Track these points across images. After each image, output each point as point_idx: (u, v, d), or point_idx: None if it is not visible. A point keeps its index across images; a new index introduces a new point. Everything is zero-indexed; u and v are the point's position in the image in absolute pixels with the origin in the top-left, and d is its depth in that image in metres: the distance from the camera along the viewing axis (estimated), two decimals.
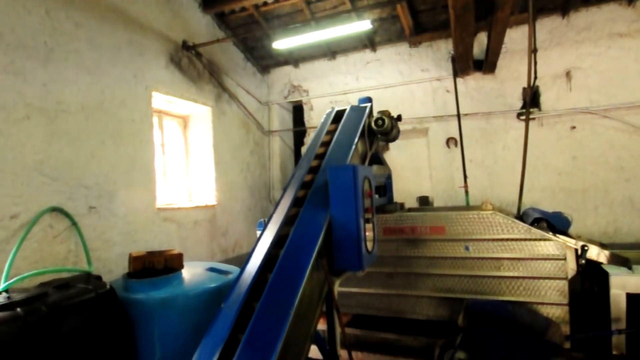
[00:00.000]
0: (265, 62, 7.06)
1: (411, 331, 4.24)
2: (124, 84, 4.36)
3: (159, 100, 5.03)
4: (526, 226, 3.81)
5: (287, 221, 3.06)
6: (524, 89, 5.60)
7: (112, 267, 4.03)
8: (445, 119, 5.99)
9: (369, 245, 3.00)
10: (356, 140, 3.64)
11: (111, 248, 4.05)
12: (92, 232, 3.88)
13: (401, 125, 6.21)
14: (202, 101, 5.60)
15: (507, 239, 3.86)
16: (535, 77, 4.37)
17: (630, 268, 3.60)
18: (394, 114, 6.26)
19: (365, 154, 3.91)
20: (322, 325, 3.91)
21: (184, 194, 5.67)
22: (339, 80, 6.70)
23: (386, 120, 3.64)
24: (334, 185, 2.89)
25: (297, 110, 7.51)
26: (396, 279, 4.31)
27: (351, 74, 6.64)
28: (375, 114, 3.88)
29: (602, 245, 4.07)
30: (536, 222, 3.89)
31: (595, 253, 3.69)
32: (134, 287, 3.33)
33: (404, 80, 6.27)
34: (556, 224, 4.33)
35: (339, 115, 4.16)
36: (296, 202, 3.24)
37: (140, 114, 4.52)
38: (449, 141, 6.04)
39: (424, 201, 5.80)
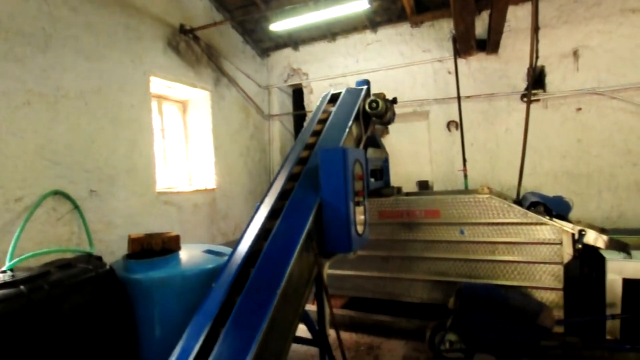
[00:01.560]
0: (264, 45, 7.00)
1: (405, 314, 4.30)
2: (122, 69, 4.39)
3: (158, 85, 5.06)
4: (522, 210, 3.78)
5: (282, 196, 3.09)
6: (529, 69, 5.46)
7: (114, 248, 4.15)
8: (446, 102, 5.89)
9: (360, 228, 3.02)
10: (350, 122, 3.61)
11: (113, 230, 4.17)
12: (94, 215, 4.00)
13: (401, 109, 6.17)
14: (201, 85, 5.61)
15: (503, 223, 3.85)
16: (537, 57, 4.25)
17: (629, 253, 3.55)
18: (396, 97, 6.21)
19: (360, 137, 3.89)
20: (314, 306, 4.04)
21: (184, 178, 5.75)
22: (339, 62, 6.62)
23: (380, 103, 3.60)
24: (324, 168, 2.90)
25: (297, 94, 7.47)
26: (391, 262, 4.35)
27: (351, 56, 6.55)
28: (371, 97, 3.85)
29: (603, 231, 4.01)
30: (533, 206, 3.86)
31: (592, 238, 3.65)
32: (133, 268, 3.42)
33: (405, 62, 6.16)
34: (555, 208, 4.29)
35: (334, 98, 4.12)
36: (291, 178, 3.27)
37: (138, 99, 4.57)
38: (450, 124, 5.95)
39: (424, 185, 5.77)
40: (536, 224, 3.72)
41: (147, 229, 4.52)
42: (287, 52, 7.06)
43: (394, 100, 4.04)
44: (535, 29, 3.96)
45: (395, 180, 6.56)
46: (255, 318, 2.19)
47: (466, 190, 5.22)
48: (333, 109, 3.88)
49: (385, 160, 4.71)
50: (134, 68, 4.53)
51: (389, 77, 6.27)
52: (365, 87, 4.10)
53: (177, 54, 5.19)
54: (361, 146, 3.88)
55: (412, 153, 6.42)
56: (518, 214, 3.79)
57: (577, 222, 4.19)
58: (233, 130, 6.31)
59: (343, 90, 4.15)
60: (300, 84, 7.10)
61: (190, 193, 5.38)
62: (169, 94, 5.53)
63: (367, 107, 3.64)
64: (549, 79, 5.38)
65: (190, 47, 5.45)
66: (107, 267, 3.22)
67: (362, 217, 3.09)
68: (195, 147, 5.86)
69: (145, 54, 4.69)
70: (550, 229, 3.68)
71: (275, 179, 3.32)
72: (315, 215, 2.86)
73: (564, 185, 5.31)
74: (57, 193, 3.60)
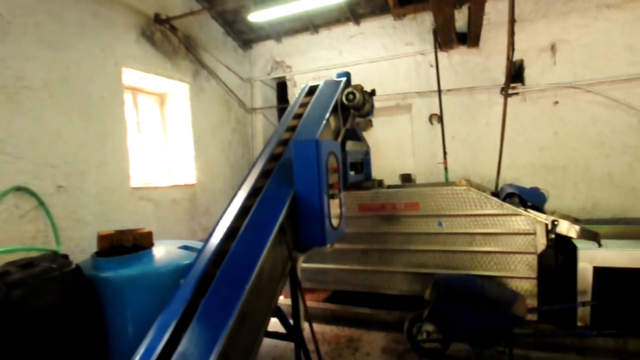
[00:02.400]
0: (246, 36, 6.86)
1: (387, 306, 4.30)
2: (92, 59, 4.23)
3: (132, 76, 4.89)
4: (498, 201, 3.80)
5: (253, 194, 3.02)
6: (507, 62, 5.48)
7: (85, 246, 4.01)
8: (428, 95, 5.88)
9: (335, 221, 2.97)
10: (327, 115, 3.56)
11: (83, 227, 4.03)
12: (62, 212, 3.85)
13: (384, 102, 6.15)
14: (179, 77, 5.46)
15: (480, 215, 3.86)
16: (513, 49, 4.25)
17: (599, 242, 3.61)
18: (378, 90, 6.15)
19: (339, 129, 3.84)
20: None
21: (162, 173, 5.61)
22: (322, 55, 6.54)
23: (357, 95, 3.54)
24: (298, 160, 2.85)
25: (282, 87, 7.36)
26: (371, 255, 4.33)
27: (334, 49, 6.47)
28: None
29: (576, 221, 4.07)
30: (508, 197, 3.88)
31: (565, 228, 3.70)
32: (102, 266, 3.31)
33: (387, 55, 6.12)
34: (531, 199, 4.33)
35: (313, 90, 4.06)
36: (264, 175, 3.20)
37: (110, 91, 4.41)
38: (432, 117, 5.95)
39: (406, 178, 5.77)
40: (511, 214, 3.74)
41: (121, 225, 4.37)
42: (270, 44, 6.93)
43: (372, 92, 4.00)
44: (512, 21, 3.95)
45: (379, 173, 6.55)
46: (223, 314, 2.13)
47: (446, 183, 5.24)
48: (310, 102, 3.82)
49: (366, 153, 4.67)
50: (104, 58, 4.36)
51: (372, 70, 6.23)
52: (344, 79, 4.04)
53: (152, 45, 5.03)
54: (339, 139, 3.83)
55: (396, 146, 6.41)
56: (494, 205, 3.81)
57: (553, 213, 4.24)
58: (214, 124, 6.18)
59: (321, 83, 4.08)
60: (284, 77, 6.99)
61: (168, 188, 5.25)
62: (144, 86, 5.37)
63: (344, 98, 3.58)
64: (528, 73, 5.41)
65: (167, 37, 5.29)
66: (73, 265, 3.11)
67: (338, 210, 3.04)
68: (174, 141, 5.71)
69: (117, 44, 4.52)
70: (524, 220, 3.71)
71: (247, 175, 3.25)
72: (288, 209, 2.81)
73: (542, 177, 5.37)
74: (19, 189, 3.45)
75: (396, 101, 6.14)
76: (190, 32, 5.72)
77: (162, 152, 5.66)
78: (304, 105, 3.86)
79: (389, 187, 5.29)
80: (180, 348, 1.99)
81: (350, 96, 3.55)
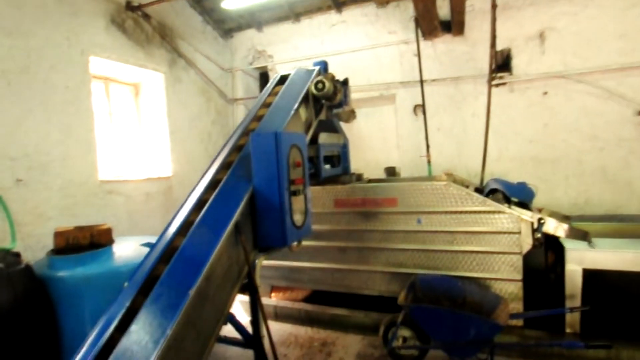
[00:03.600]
0: (226, 25, 6.62)
1: (366, 306, 4.12)
2: (55, 48, 4.01)
3: (103, 65, 4.68)
4: (481, 198, 3.60)
5: (211, 186, 2.83)
6: (495, 52, 5.27)
7: (46, 242, 3.80)
8: (412, 85, 5.67)
9: (298, 219, 2.79)
10: (296, 105, 3.35)
11: (45, 223, 3.85)
12: (22, 206, 3.67)
13: (368, 92, 5.95)
14: (153, 67, 5.24)
15: (461, 212, 3.67)
16: (494, 36, 4.03)
17: (589, 242, 3.41)
18: (362, 80, 5.96)
19: (311, 121, 3.64)
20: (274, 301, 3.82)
21: (136, 166, 5.41)
22: (304, 44, 6.31)
23: (326, 84, 3.33)
24: (256, 153, 2.65)
25: (264, 77, 7.13)
26: (348, 253, 4.15)
27: (316, 38, 6.24)
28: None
29: (565, 218, 3.88)
30: (491, 194, 3.68)
31: (552, 227, 3.50)
32: (57, 265, 3.16)
33: (370, 44, 5.89)
34: (518, 195, 4.14)
35: (285, 79, 3.84)
36: (225, 167, 3.00)
37: (75, 80, 4.20)
38: (417, 108, 5.74)
39: (391, 172, 5.59)
40: (494, 212, 3.55)
41: (87, 220, 4.20)
42: (251, 33, 6.70)
43: (345, 82, 3.78)
44: (494, 6, 3.73)
45: (363, 166, 6.37)
46: (163, 321, 1.95)
47: (426, 178, 5.05)
48: (280, 91, 3.61)
49: (344, 146, 4.48)
50: (69, 46, 4.14)
51: (355, 60, 6.01)
52: (317, 68, 3.82)
53: (122, 33, 4.80)
54: (311, 131, 3.63)
55: (380, 138, 6.22)
56: (476, 202, 3.61)
57: (541, 210, 4.05)
58: (192, 115, 5.97)
59: (292, 72, 3.87)
60: (267, 67, 6.77)
61: (141, 181, 5.05)
62: (117, 76, 5.15)
63: (312, 88, 3.37)
64: (515, 62, 5.20)
65: (140, 25, 5.06)
66: (23, 264, 2.94)
67: (302, 207, 2.86)
68: (149, 133, 5.51)
69: (83, 32, 4.30)
70: (508, 218, 3.51)
71: (209, 167, 3.05)
72: (247, 206, 2.62)
73: (531, 171, 5.17)
74: None
75: (380, 92, 5.93)
76: (166, 20, 5.49)
77: (137, 144, 5.45)
78: (275, 94, 3.65)
79: (370, 181, 5.12)
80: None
81: (320, 85, 3.34)
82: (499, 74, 5.22)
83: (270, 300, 4.45)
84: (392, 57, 5.78)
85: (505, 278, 3.54)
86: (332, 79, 3.47)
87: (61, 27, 4.08)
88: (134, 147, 5.39)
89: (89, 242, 3.31)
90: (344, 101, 3.79)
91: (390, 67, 5.82)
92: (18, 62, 3.67)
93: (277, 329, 4.16)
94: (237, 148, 3.13)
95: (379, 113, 6.21)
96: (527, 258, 3.57)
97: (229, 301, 2.44)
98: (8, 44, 3.60)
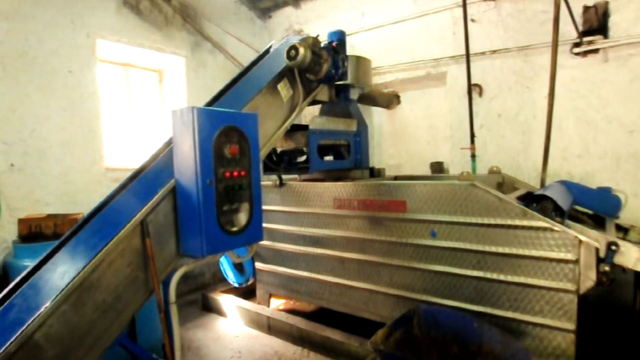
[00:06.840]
0: (263, 4, 6.14)
1: (367, 330, 3.30)
2: (58, 31, 3.95)
3: (119, 51, 4.58)
4: (519, 207, 2.52)
5: (136, 174, 2.36)
6: (585, 7, 3.86)
7: None
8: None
9: (234, 222, 2.15)
10: (270, 78, 2.69)
11: (42, 209, 3.82)
12: (16, 192, 3.68)
13: (412, 72, 4.95)
14: (172, 50, 5.01)
15: (490, 225, 2.62)
16: None
17: None
18: (405, 56, 4.97)
19: (296, 101, 2.92)
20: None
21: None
22: (342, 18, 5.51)
23: (300, 51, 2.55)
24: (176, 136, 2.09)
25: None
26: (348, 266, 3.36)
27: (356, 10, 5.39)
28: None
29: None
30: (535, 202, 2.54)
31: (633, 257, 2.28)
32: (18, 253, 3.05)
33: (418, 11, 4.85)
34: (594, 206, 2.93)
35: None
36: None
37: (80, 64, 4.11)
38: (475, 88, 4.55)
39: (438, 168, 4.57)
40: (538, 228, 2.44)
41: (89, 207, 4.08)
42: (289, 11, 6.13)
43: (336, 49, 2.96)
44: None
45: (405, 161, 5.42)
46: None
47: (446, 176, 3.97)
48: (258, 63, 2.97)
49: (357, 134, 3.65)
50: (73, 29, 4.06)
51: (399, 33, 5.04)
52: (314, 36, 3.07)
53: (136, 14, 4.63)
54: (295, 113, 2.92)
55: (427, 127, 5.17)
56: (512, 212, 2.54)
57: (630, 229, 2.80)
58: None
59: (284, 40, 3.19)
60: None
61: None
62: (137, 62, 5.04)
63: (285, 56, 2.64)
64: (614, 20, 3.71)
65: (157, 5, 4.84)
66: None
67: (246, 207, 2.21)
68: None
69: (90, 14, 4.19)
70: (559, 238, 2.38)
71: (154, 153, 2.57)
72: (166, 202, 2.08)
73: (629, 173, 3.70)
74: None
75: (427, 70, 4.87)
76: (189, 0, 5.21)
77: (157, 132, 5.30)
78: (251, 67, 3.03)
79: (396, 177, 4.22)
80: None
81: (292, 52, 2.58)
82: (588, 39, 3.82)
83: (265, 310, 3.89)
84: (443, 26, 4.67)
85: (549, 324, 2.44)
86: (314, 44, 2.69)
87: (65, 10, 4.00)
88: (154, 136, 5.25)
89: (52, 231, 3.15)
90: (336, 74, 2.97)
91: (440, 39, 4.72)
92: (15, 46, 3.65)
93: (265, 344, 3.59)
94: None
95: (427, 96, 5.15)
96: (591, 298, 2.41)
97: (127, 317, 1.93)
98: (5, 28, 3.59)
